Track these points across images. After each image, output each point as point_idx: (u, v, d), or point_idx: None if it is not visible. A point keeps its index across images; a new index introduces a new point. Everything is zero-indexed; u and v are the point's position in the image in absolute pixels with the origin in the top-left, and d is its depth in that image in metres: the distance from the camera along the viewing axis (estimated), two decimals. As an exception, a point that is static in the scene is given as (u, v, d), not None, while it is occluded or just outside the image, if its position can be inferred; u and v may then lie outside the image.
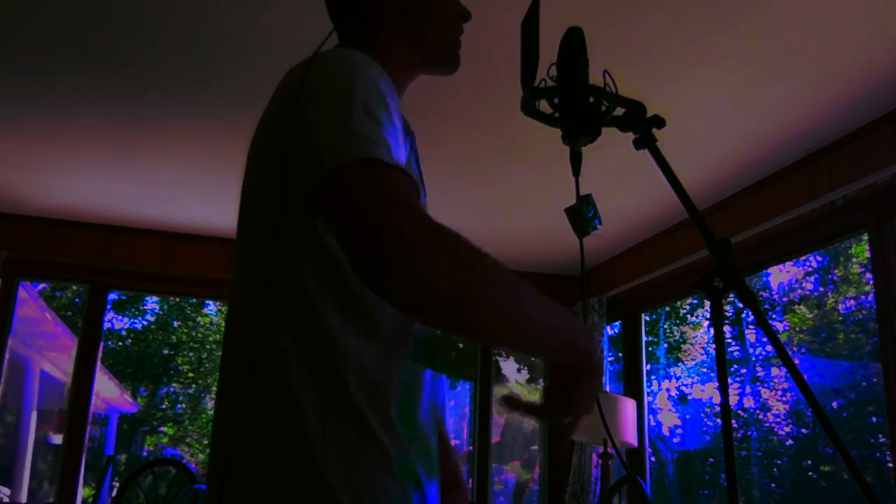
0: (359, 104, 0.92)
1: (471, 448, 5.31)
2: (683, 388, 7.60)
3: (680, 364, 7.72)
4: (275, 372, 0.93)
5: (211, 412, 10.72)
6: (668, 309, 7.30)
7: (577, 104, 1.15)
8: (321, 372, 0.93)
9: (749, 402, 6.33)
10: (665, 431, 7.22)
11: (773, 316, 6.34)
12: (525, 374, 8.51)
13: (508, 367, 8.50)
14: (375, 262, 0.82)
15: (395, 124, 0.95)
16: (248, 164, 1.08)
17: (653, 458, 5.56)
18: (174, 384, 11.16)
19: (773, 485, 6.33)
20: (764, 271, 5.12)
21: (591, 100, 1.16)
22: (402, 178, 0.87)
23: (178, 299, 10.77)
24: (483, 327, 0.87)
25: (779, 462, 6.35)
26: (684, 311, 7.46)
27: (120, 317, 10.88)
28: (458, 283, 0.83)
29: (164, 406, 11.08)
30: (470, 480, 5.22)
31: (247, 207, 1.05)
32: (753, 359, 6.46)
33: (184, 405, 11.09)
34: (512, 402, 0.97)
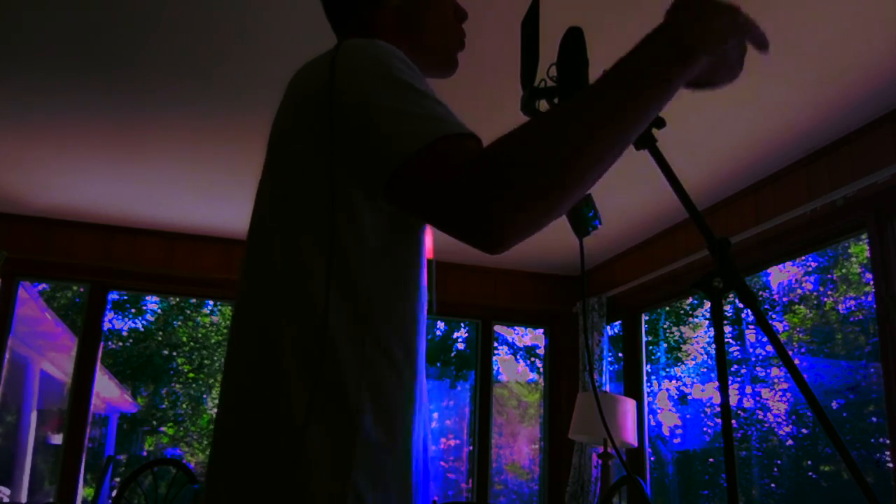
0: (403, 82, 0.93)
1: (471, 448, 5.31)
2: (683, 388, 7.60)
3: (680, 364, 7.72)
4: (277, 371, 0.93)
5: (212, 412, 10.71)
6: (667, 309, 7.31)
7: (577, 104, 1.15)
8: (324, 380, 0.92)
9: (749, 402, 6.32)
10: (665, 431, 7.22)
11: (773, 316, 6.34)
12: (525, 375, 8.51)
13: (508, 367, 8.49)
14: (478, 228, 0.83)
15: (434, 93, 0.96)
16: (269, 160, 1.06)
17: (653, 458, 5.56)
18: (174, 384, 11.15)
19: (773, 485, 6.33)
20: (764, 271, 5.11)
21: (592, 100, 1.16)
22: (469, 143, 0.88)
23: (178, 299, 10.77)
24: (605, 160, 0.85)
25: (779, 462, 6.34)
26: (684, 310, 7.48)
27: (120, 317, 10.88)
28: (549, 189, 0.83)
29: (164, 406, 11.08)
30: (470, 480, 5.22)
31: (268, 207, 1.03)
32: (753, 359, 6.46)
33: (184, 405, 11.08)
34: None
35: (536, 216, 0.84)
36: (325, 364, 0.91)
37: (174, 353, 11.27)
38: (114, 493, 4.31)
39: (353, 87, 0.94)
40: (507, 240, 0.83)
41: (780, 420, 6.41)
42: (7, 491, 6.97)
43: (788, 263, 5.65)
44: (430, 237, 1.08)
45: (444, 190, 0.85)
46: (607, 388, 4.91)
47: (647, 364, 4.94)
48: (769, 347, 3.99)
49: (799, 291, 6.45)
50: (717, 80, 0.97)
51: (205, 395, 11.01)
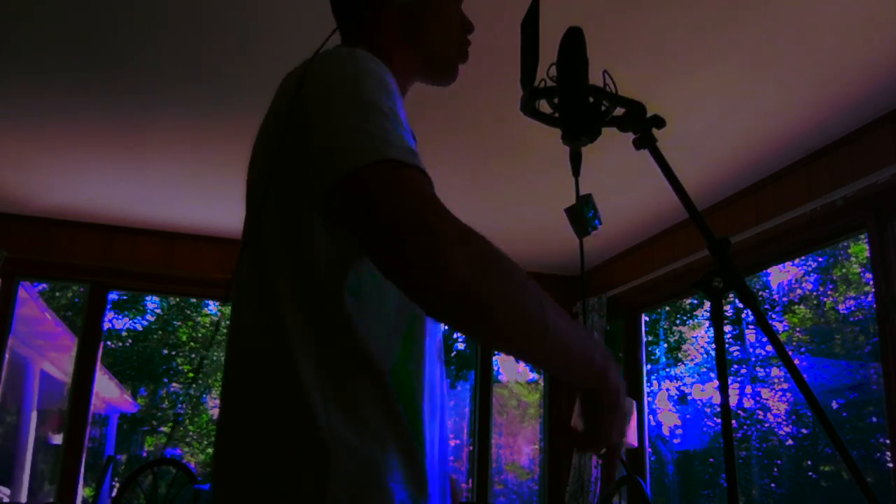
0: (368, 102, 0.91)
1: (471, 448, 5.31)
2: (683, 388, 7.60)
3: (680, 364, 7.72)
4: (286, 367, 0.93)
5: (212, 412, 10.71)
6: (668, 309, 7.32)
7: (576, 104, 1.15)
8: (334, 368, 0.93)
9: (749, 402, 6.32)
10: (665, 431, 7.21)
11: (773, 316, 6.34)
12: (525, 375, 8.51)
13: (509, 367, 8.50)
14: (399, 258, 0.82)
15: (403, 118, 0.95)
16: (251, 168, 1.08)
17: (653, 458, 5.56)
18: (174, 384, 11.16)
19: (773, 485, 6.33)
20: (764, 271, 5.11)
21: (591, 100, 1.16)
22: (418, 176, 0.87)
23: (178, 299, 10.77)
24: (503, 330, 0.86)
25: (779, 462, 6.34)
26: (684, 310, 7.48)
27: (120, 317, 10.88)
28: (482, 280, 0.83)
29: (164, 406, 11.09)
30: (470, 480, 5.22)
31: (252, 210, 1.04)
32: (753, 359, 6.46)
33: (184, 405, 11.09)
34: (575, 443, 0.98)
35: (437, 298, 0.83)
36: (294, 383, 0.91)
37: (174, 353, 11.28)
38: (114, 493, 4.31)
39: (316, 99, 0.94)
40: (408, 285, 0.83)
41: (780, 420, 6.41)
42: (7, 491, 6.97)
43: (788, 263, 5.65)
44: None
45: (376, 213, 0.84)
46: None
47: (647, 364, 4.94)
48: (769, 347, 3.99)
49: (799, 291, 6.45)
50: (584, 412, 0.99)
51: (205, 396, 11.01)
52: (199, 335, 11.27)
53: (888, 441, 3.00)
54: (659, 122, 1.16)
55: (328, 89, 0.94)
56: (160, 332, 11.32)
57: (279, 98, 1.04)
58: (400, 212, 0.82)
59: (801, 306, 6.40)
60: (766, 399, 6.35)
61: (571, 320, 0.92)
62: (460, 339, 8.80)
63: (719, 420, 1.67)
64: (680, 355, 7.80)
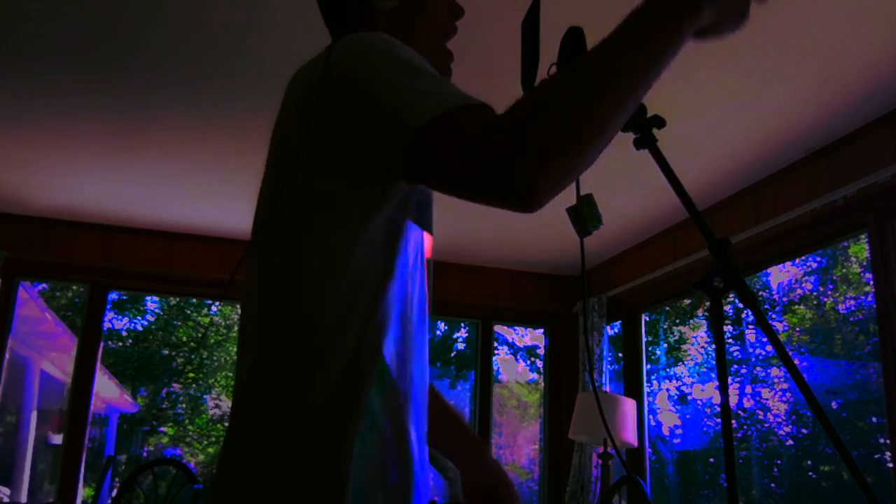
0: (412, 65, 0.94)
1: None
2: (683, 388, 7.60)
3: (680, 364, 7.72)
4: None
5: (211, 412, 10.72)
6: (668, 309, 7.32)
7: (577, 104, 1.15)
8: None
9: (749, 402, 6.32)
10: (665, 431, 7.21)
11: (773, 316, 6.34)
12: (525, 375, 8.50)
13: (508, 367, 8.50)
14: (505, 185, 0.83)
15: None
16: (272, 164, 1.07)
17: (653, 458, 5.56)
18: (175, 384, 11.15)
19: (773, 485, 6.33)
20: (764, 271, 5.11)
21: (592, 100, 1.16)
22: (479, 109, 0.88)
23: (178, 299, 10.76)
24: (624, 108, 0.87)
25: (779, 462, 6.34)
26: (684, 309, 7.48)
27: (120, 317, 10.88)
28: (570, 138, 0.83)
29: (164, 406, 11.08)
30: (470, 480, 5.21)
31: (273, 211, 1.03)
32: (753, 359, 6.46)
33: (184, 405, 11.09)
34: None
35: (563, 167, 0.84)
36: (319, 374, 0.92)
37: (174, 353, 11.27)
38: (114, 493, 4.31)
39: (359, 73, 0.95)
40: (537, 194, 0.83)
41: (780, 420, 6.41)
42: (7, 491, 6.97)
43: (788, 263, 5.65)
44: (429, 237, 1.09)
45: (467, 153, 0.85)
46: (607, 388, 4.91)
47: (647, 364, 4.94)
48: (769, 347, 3.98)
49: (799, 291, 6.45)
50: (721, 29, 0.98)
51: (205, 396, 11.01)
52: (200, 335, 11.26)
53: (888, 441, 3.00)
54: (659, 122, 1.16)
55: (369, 60, 0.95)
56: (160, 333, 11.31)
57: (297, 87, 1.04)
58: (481, 146, 0.83)
59: (801, 306, 6.40)
60: (766, 399, 6.35)
61: (638, 19, 0.94)
62: (460, 339, 8.79)
63: (719, 420, 1.67)
64: (680, 355, 7.80)
